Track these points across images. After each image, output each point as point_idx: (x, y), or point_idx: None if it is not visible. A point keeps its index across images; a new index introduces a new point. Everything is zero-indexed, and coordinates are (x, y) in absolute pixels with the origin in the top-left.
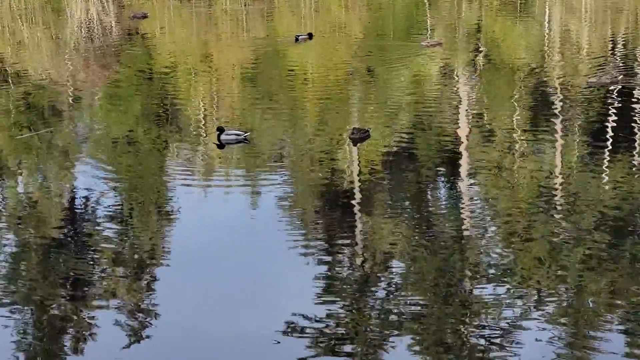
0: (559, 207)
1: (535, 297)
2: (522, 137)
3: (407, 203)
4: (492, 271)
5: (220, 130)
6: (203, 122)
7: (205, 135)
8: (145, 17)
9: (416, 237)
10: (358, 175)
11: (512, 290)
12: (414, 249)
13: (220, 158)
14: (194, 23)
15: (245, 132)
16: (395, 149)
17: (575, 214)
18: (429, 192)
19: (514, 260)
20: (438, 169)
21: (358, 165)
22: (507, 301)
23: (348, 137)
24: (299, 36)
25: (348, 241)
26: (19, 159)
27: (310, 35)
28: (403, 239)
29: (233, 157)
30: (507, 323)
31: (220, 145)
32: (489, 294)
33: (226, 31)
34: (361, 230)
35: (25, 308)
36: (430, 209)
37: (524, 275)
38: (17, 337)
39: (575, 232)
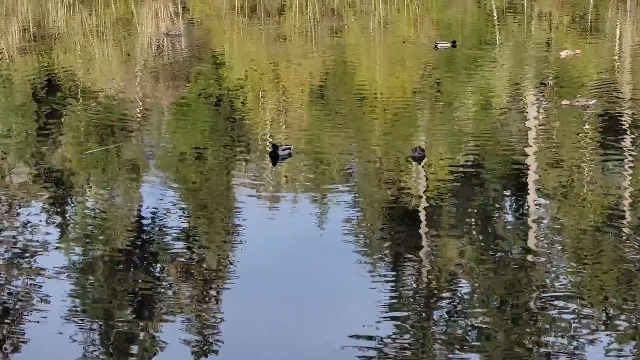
0: (627, 228)
1: (604, 318)
2: (590, 158)
3: (473, 222)
4: (559, 291)
5: (275, 147)
6: (270, 138)
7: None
8: (178, 35)
9: (482, 256)
10: (424, 193)
11: (580, 311)
12: (479, 268)
13: (286, 174)
14: (262, 40)
15: (290, 146)
16: (461, 167)
17: None
18: (495, 211)
19: (581, 280)
20: (505, 187)
21: (425, 183)
22: (575, 322)
23: (410, 156)
24: (438, 44)
25: (414, 259)
26: (88, 174)
27: (454, 44)
28: (469, 258)
29: (300, 174)
30: (575, 344)
31: (275, 162)
32: (556, 314)
33: (295, 48)
34: (427, 248)
35: (93, 322)
36: (497, 228)
37: (592, 296)
38: (84, 351)
39: None
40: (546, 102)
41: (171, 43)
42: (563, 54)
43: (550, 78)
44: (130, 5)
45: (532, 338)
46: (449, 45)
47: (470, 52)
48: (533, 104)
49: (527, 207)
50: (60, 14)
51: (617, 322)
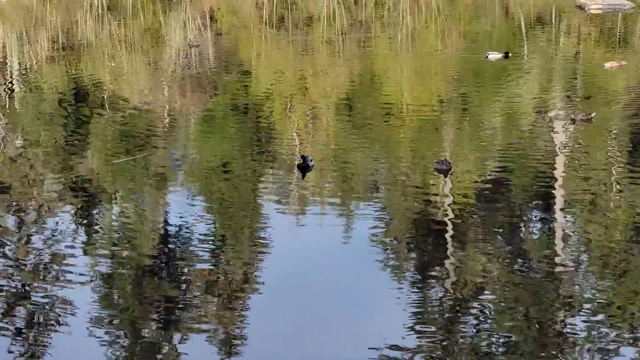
0: None
1: (631, 331)
2: (618, 171)
3: (499, 235)
4: (586, 304)
5: (304, 158)
6: (297, 150)
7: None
8: (197, 46)
9: (508, 269)
10: (450, 206)
11: (606, 324)
12: (506, 281)
13: (313, 186)
14: (290, 51)
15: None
16: (487, 180)
17: None
18: (522, 224)
19: (608, 293)
20: (532, 200)
21: (451, 196)
22: (601, 335)
23: (436, 168)
24: (489, 54)
25: (439, 271)
26: (115, 183)
27: (506, 55)
28: (495, 271)
29: (326, 185)
30: (601, 357)
31: (304, 173)
32: (583, 327)
33: (322, 59)
34: (453, 261)
35: (118, 332)
36: (524, 241)
37: (618, 309)
38: None
39: None
40: (560, 116)
41: (199, 54)
42: (607, 65)
43: (581, 91)
44: (158, 15)
45: (559, 352)
46: (501, 56)
47: (498, 64)
48: (561, 117)
49: (554, 220)
50: (89, 24)
51: None
